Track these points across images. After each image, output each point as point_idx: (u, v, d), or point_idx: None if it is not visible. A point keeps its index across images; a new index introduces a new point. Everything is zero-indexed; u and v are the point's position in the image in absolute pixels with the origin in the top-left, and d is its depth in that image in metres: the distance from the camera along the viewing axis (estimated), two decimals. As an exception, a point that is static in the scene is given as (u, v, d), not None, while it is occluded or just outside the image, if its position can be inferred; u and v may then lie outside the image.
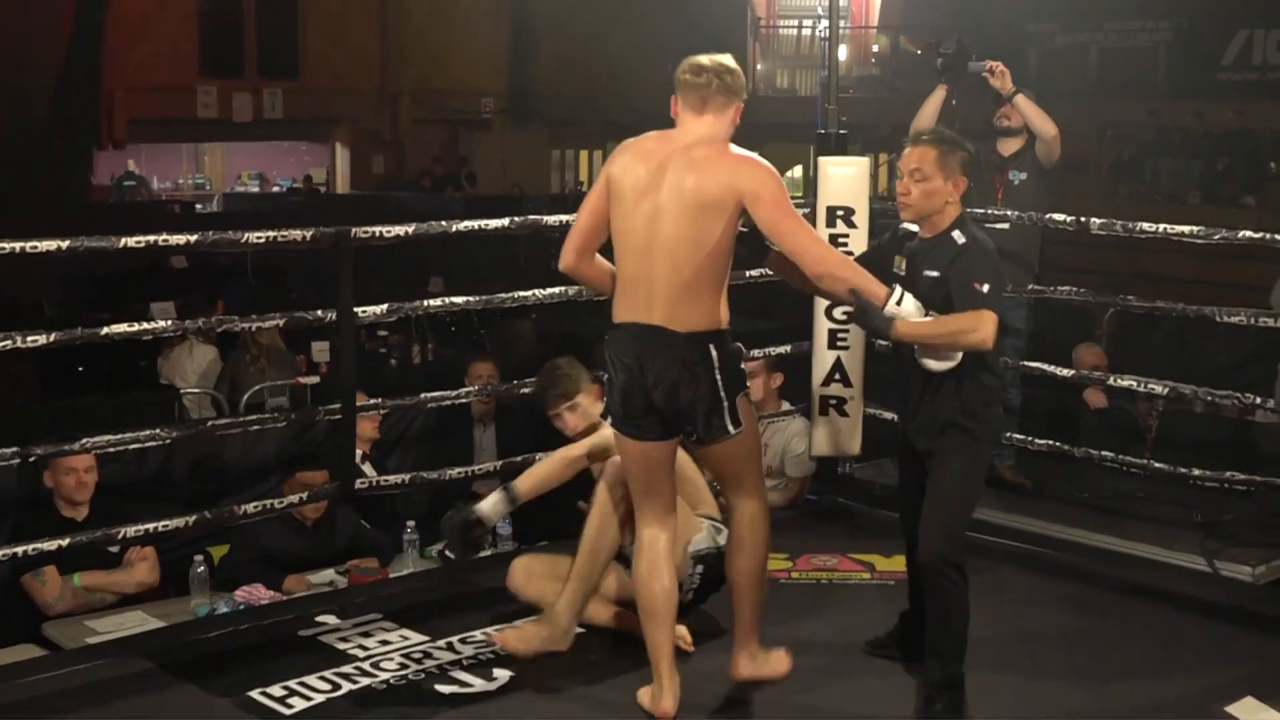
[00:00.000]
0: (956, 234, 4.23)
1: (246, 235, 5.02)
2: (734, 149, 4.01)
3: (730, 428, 4.02)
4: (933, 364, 4.12)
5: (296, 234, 5.10)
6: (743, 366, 4.10)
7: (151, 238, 4.77)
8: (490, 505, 4.70)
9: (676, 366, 3.97)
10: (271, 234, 5.04)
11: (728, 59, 4.13)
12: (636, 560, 4.21)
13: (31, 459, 4.90)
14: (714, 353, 3.98)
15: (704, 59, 4.10)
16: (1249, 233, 5.55)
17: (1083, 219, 5.87)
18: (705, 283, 3.96)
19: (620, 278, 4.07)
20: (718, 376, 3.98)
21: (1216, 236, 5.56)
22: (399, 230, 5.33)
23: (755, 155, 4.04)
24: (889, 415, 6.36)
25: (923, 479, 4.34)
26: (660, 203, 3.95)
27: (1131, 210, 13.11)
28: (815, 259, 4.00)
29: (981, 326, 4.02)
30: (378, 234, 5.25)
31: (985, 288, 4.09)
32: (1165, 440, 6.72)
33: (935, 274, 4.18)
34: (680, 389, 3.98)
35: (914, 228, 4.36)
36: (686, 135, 4.03)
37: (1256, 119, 17.47)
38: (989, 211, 6.21)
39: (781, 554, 5.51)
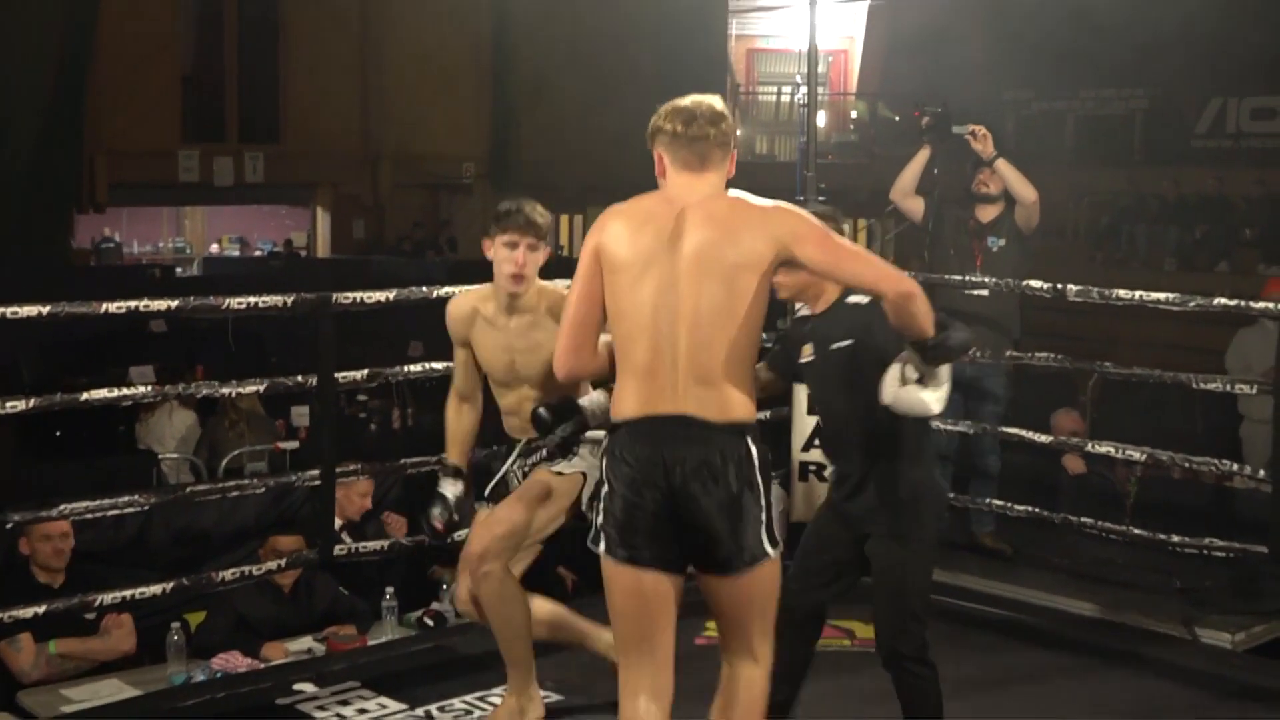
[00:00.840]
0: (851, 299, 4.02)
1: (227, 301, 5.04)
2: (753, 197, 3.45)
3: (769, 548, 3.34)
4: (928, 398, 3.64)
5: (278, 300, 5.11)
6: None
7: (133, 303, 4.79)
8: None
9: (710, 466, 3.28)
10: (252, 300, 5.06)
11: (715, 101, 3.53)
12: None
13: (8, 525, 4.88)
14: (753, 450, 3.33)
15: (689, 103, 3.50)
16: (1224, 300, 5.60)
17: (1060, 285, 5.91)
18: (738, 361, 3.33)
19: (626, 366, 3.39)
20: (758, 479, 3.33)
21: (1192, 304, 5.61)
22: (380, 296, 5.34)
23: (782, 204, 3.49)
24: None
25: (845, 538, 4.17)
26: (677, 269, 3.32)
27: (1109, 276, 13.21)
28: (893, 281, 3.42)
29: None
30: (359, 300, 5.26)
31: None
32: (1144, 506, 6.74)
33: (848, 342, 4.01)
34: (710, 496, 3.28)
35: (803, 312, 4.24)
36: (692, 194, 3.42)
37: (1231, 186, 17.66)
38: (967, 278, 6.26)
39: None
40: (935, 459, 4.33)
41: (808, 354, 4.16)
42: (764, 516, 3.32)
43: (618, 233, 3.42)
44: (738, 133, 3.58)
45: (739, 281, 3.31)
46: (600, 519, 3.41)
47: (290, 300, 5.12)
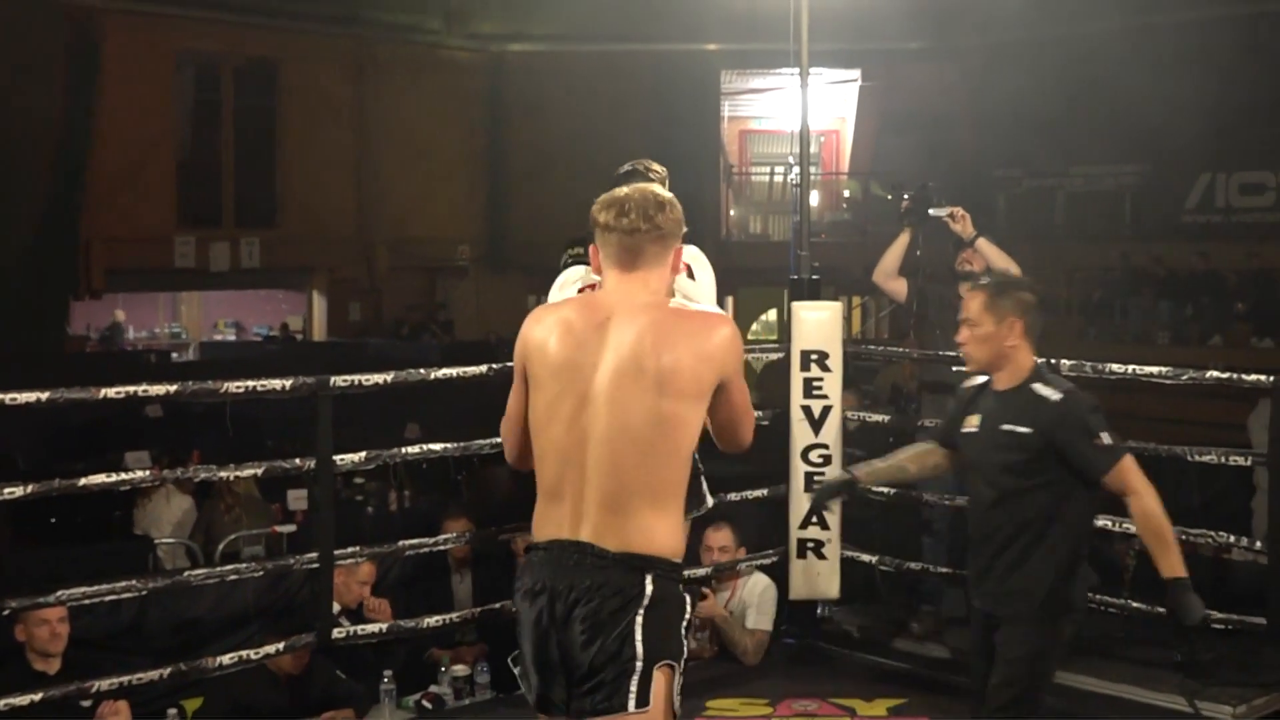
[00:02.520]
0: (1040, 387, 4.04)
1: (226, 385, 5.04)
2: (700, 307, 3.30)
3: (631, 701, 2.96)
4: None
5: (276, 384, 5.12)
6: (684, 634, 3.08)
7: (131, 388, 4.79)
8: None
9: (593, 598, 3.00)
10: (251, 384, 5.06)
11: (657, 191, 3.26)
12: None
13: (5, 612, 4.86)
14: (649, 587, 3.02)
15: (625, 193, 3.22)
16: (1216, 373, 5.63)
17: (1053, 360, 5.93)
18: (655, 490, 3.04)
19: (539, 487, 3.17)
20: (638, 620, 2.99)
21: (1185, 376, 5.63)
22: (378, 378, 5.35)
23: (718, 313, 3.32)
24: (867, 558, 6.37)
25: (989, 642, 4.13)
26: (594, 385, 3.06)
27: (1102, 351, 13.25)
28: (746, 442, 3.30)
29: (1145, 491, 3.85)
30: (357, 382, 5.27)
31: (1105, 438, 3.96)
32: (1143, 579, 6.71)
33: (1025, 430, 3.99)
34: (587, 630, 2.99)
35: (978, 380, 4.25)
36: (615, 297, 3.16)
37: (1221, 260, 17.78)
38: (960, 354, 6.28)
39: (762, 699, 5.48)
40: (1082, 558, 4.16)
41: (972, 424, 4.14)
42: (639, 667, 2.98)
43: (539, 341, 3.19)
44: (682, 226, 3.26)
45: (665, 404, 3.05)
46: (518, 663, 3.22)
47: (288, 384, 5.13)
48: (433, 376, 5.53)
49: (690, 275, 4.51)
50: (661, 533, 3.05)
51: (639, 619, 2.99)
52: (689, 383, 3.06)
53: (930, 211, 6.48)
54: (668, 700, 3.02)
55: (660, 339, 3.07)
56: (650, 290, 3.18)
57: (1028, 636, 4.04)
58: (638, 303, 3.14)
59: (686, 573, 6.22)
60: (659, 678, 3.00)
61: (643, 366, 3.05)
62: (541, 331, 3.19)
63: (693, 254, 4.57)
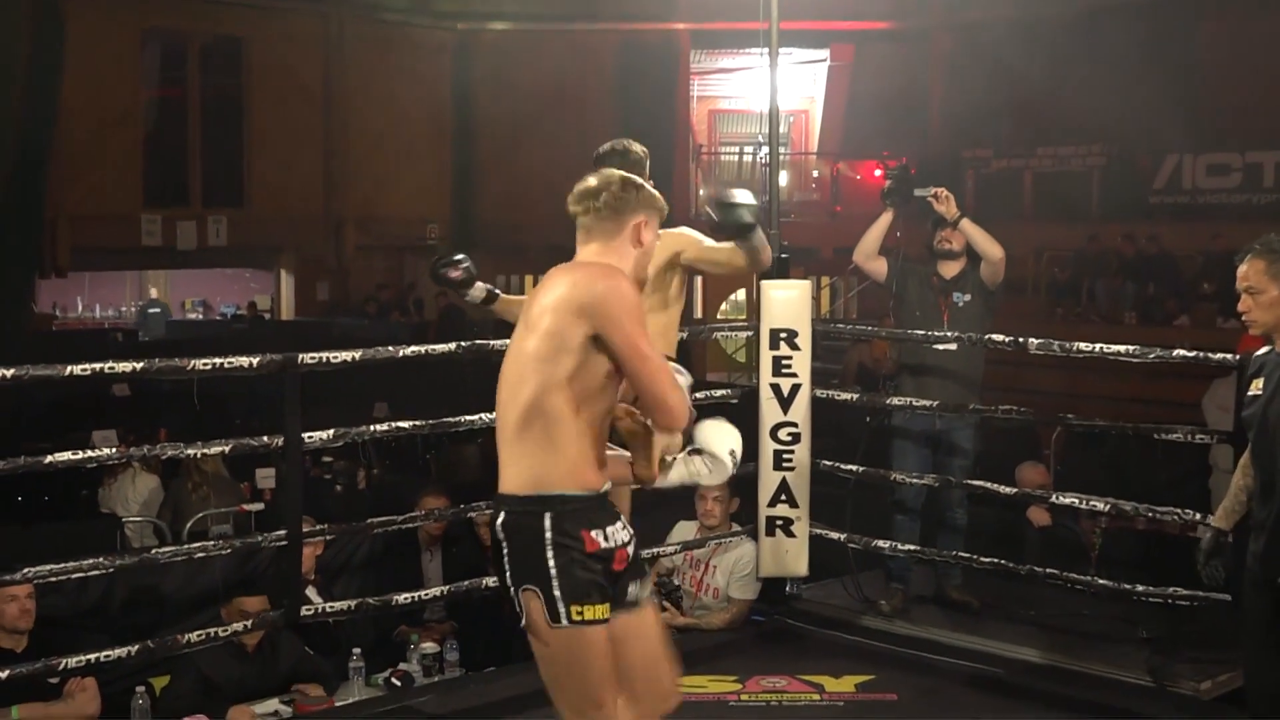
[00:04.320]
0: None
1: (192, 363, 5.00)
2: (593, 265, 3.41)
3: (523, 619, 3.35)
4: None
5: (243, 361, 5.08)
6: (549, 555, 3.31)
7: (98, 365, 4.75)
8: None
9: (501, 535, 3.38)
10: (218, 361, 5.03)
11: (616, 173, 3.57)
12: None
13: (-30, 590, 4.84)
14: (500, 519, 3.38)
15: (592, 180, 3.55)
16: (1183, 351, 5.65)
17: (1021, 339, 5.97)
18: (515, 430, 3.33)
19: None
20: (503, 551, 3.37)
21: (1152, 355, 5.66)
22: (346, 356, 5.34)
23: (610, 269, 3.39)
24: (835, 535, 6.40)
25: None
26: (515, 334, 3.43)
27: (1069, 331, 13.31)
28: (667, 409, 3.38)
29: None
30: (324, 360, 5.25)
31: None
32: (1109, 557, 6.77)
33: None
34: (502, 565, 3.39)
35: (1262, 350, 4.22)
36: (562, 267, 3.47)
37: (1188, 241, 17.87)
38: (932, 334, 6.31)
39: (730, 675, 5.50)
40: None
41: (1256, 388, 4.13)
42: (512, 592, 3.34)
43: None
44: (630, 203, 3.49)
45: (532, 342, 3.32)
46: None
47: (256, 361, 5.10)
48: (400, 355, 5.51)
49: None
50: (511, 472, 3.35)
51: (504, 550, 3.35)
52: (552, 323, 3.29)
53: (915, 192, 6.49)
54: (542, 618, 3.31)
55: (549, 288, 3.36)
56: (606, 257, 3.45)
57: None
58: (566, 265, 3.44)
59: (664, 560, 6.27)
60: (527, 600, 3.32)
61: (529, 313, 3.36)
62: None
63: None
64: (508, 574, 3.35)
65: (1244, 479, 4.35)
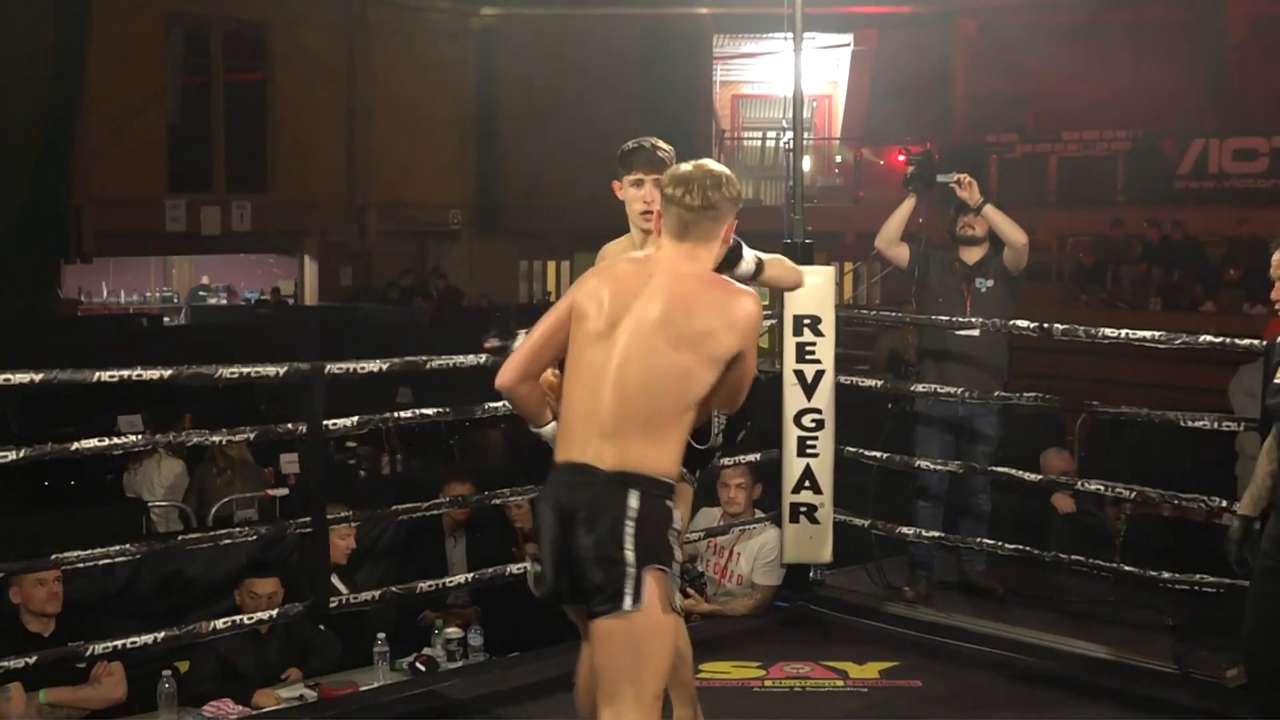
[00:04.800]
0: None
1: (220, 370, 4.99)
2: (729, 282, 3.53)
3: (628, 601, 3.31)
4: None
5: (271, 370, 5.08)
6: (673, 541, 3.39)
7: (125, 371, 4.75)
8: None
9: (590, 513, 3.35)
10: (245, 370, 5.02)
11: (716, 168, 3.58)
12: (585, 687, 3.68)
13: (0, 575, 4.86)
14: (633, 501, 3.34)
15: (690, 169, 3.56)
16: (1209, 337, 5.62)
17: (1045, 325, 5.94)
18: (654, 427, 3.38)
19: (564, 414, 3.50)
20: (627, 530, 3.32)
21: (1178, 341, 5.63)
22: (372, 366, 5.32)
23: (746, 291, 3.53)
24: (859, 522, 6.39)
25: None
26: (625, 329, 3.41)
27: (1093, 317, 13.26)
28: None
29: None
30: (351, 370, 5.25)
31: None
32: (1134, 544, 6.75)
33: None
34: (588, 541, 3.34)
35: None
36: (673, 264, 3.49)
37: (1213, 226, 17.78)
38: (955, 319, 6.29)
39: (754, 662, 5.50)
40: None
41: (1278, 378, 4.17)
42: (631, 571, 3.31)
43: (590, 291, 3.51)
44: (737, 203, 3.58)
45: (685, 360, 3.39)
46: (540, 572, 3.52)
47: (283, 371, 5.09)
48: (428, 366, 5.47)
49: None
50: (650, 457, 3.37)
51: (628, 529, 3.31)
52: (714, 347, 3.39)
53: (938, 178, 6.47)
54: (662, 599, 3.35)
55: (693, 303, 3.41)
56: (695, 261, 3.50)
57: None
58: (681, 270, 3.47)
59: (688, 546, 6.28)
60: (650, 580, 3.32)
61: (671, 323, 3.39)
62: (595, 281, 3.52)
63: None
64: (630, 553, 3.31)
65: (1270, 464, 4.34)
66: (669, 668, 3.47)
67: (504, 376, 3.59)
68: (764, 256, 3.93)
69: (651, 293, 3.44)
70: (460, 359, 5.51)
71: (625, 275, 3.51)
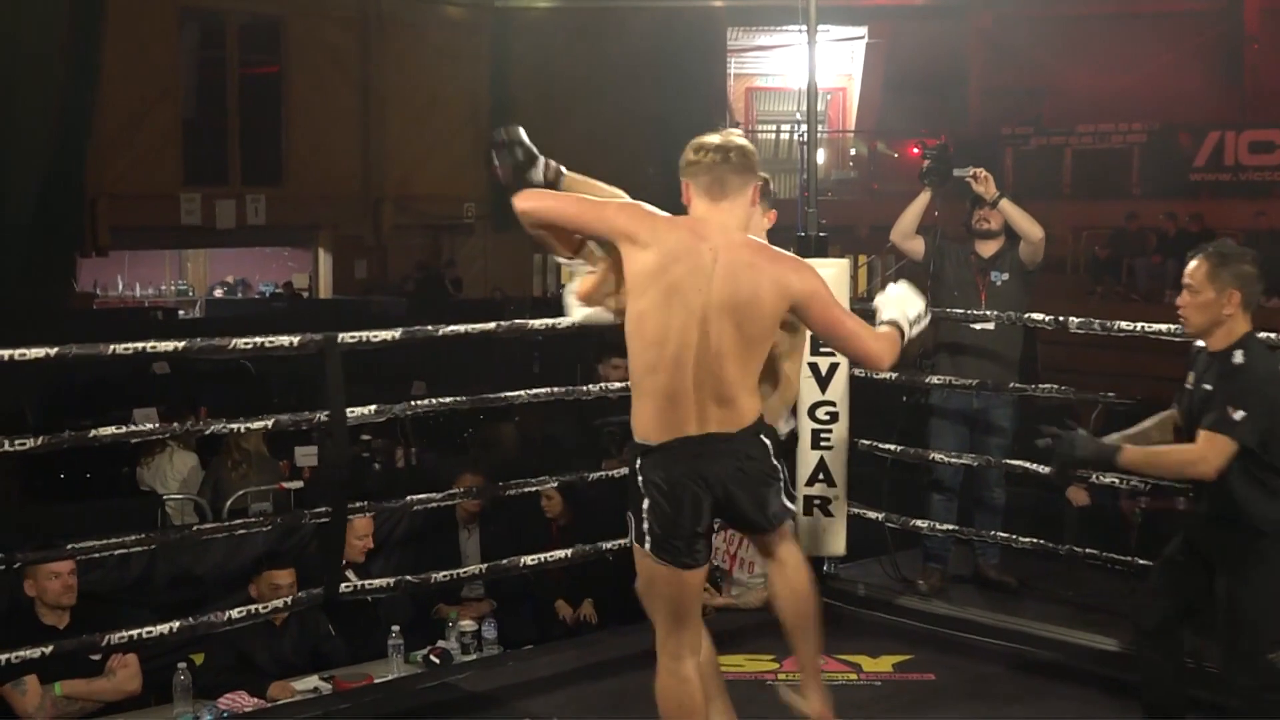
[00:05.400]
0: (1238, 354, 4.22)
1: (233, 342, 5.01)
2: (773, 248, 3.86)
3: (789, 504, 3.94)
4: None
5: (284, 340, 5.09)
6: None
7: (139, 344, 4.76)
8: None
9: (732, 467, 3.78)
10: (258, 340, 5.03)
11: (734, 133, 3.90)
12: (670, 693, 3.96)
13: (16, 565, 4.88)
14: (767, 442, 3.86)
15: (710, 136, 3.85)
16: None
17: (1061, 318, 5.93)
18: (748, 387, 3.80)
19: (645, 391, 3.78)
20: (776, 463, 3.88)
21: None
22: (385, 335, 5.33)
23: (791, 254, 3.94)
24: (873, 515, 6.39)
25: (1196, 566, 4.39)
26: (705, 311, 3.69)
27: (1108, 310, 13.22)
28: (874, 354, 3.92)
29: (1210, 456, 4.11)
30: (365, 339, 5.25)
31: (1237, 414, 4.12)
32: (1149, 537, 6.73)
33: (1209, 388, 4.23)
34: (743, 488, 3.81)
35: (1200, 344, 4.41)
36: (716, 230, 3.76)
37: (1229, 218, 17.72)
38: (969, 312, 6.28)
39: (768, 655, 5.50)
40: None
41: (1189, 380, 4.39)
42: (780, 486, 3.88)
43: (657, 242, 3.73)
44: (757, 169, 3.86)
45: (760, 326, 3.74)
46: (645, 526, 3.80)
47: (296, 340, 5.10)
48: (440, 333, 5.51)
49: None
50: (754, 407, 3.82)
51: (774, 460, 3.86)
52: (770, 309, 3.74)
53: (955, 172, 6.46)
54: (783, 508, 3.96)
55: (755, 274, 3.72)
56: (734, 218, 3.79)
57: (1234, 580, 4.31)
58: (735, 240, 3.77)
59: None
60: (785, 508, 3.94)
61: (739, 299, 3.70)
62: (651, 234, 3.75)
63: None
64: (783, 484, 3.89)
65: (1157, 431, 4.64)
66: None
67: (526, 202, 3.91)
68: (566, 172, 4.20)
69: (722, 271, 3.70)
70: (473, 327, 5.56)
71: (685, 251, 3.72)
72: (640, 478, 3.80)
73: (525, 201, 3.91)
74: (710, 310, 3.69)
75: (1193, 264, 4.35)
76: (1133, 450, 4.30)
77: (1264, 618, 4.28)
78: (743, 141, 3.84)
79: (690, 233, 3.76)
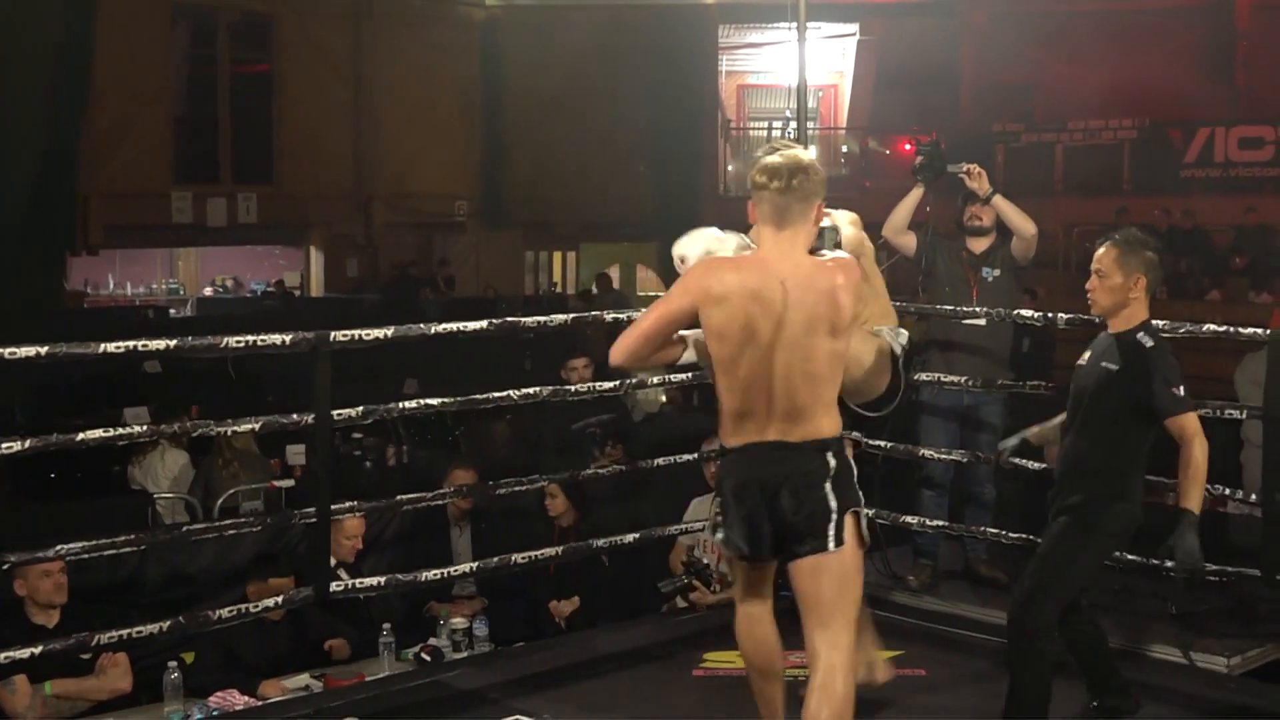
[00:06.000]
0: (1142, 335, 4.53)
1: (225, 340, 5.01)
2: (826, 263, 3.95)
3: (830, 543, 3.88)
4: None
5: (276, 339, 5.08)
6: (857, 486, 4.00)
7: (130, 343, 4.76)
8: None
9: (793, 478, 3.89)
10: (250, 339, 5.03)
11: (802, 155, 4.01)
12: (748, 633, 4.27)
13: (5, 566, 4.87)
14: (831, 461, 3.91)
15: (778, 159, 3.96)
16: (1213, 326, 5.63)
17: (1050, 314, 5.94)
18: (825, 402, 3.92)
19: (735, 406, 3.95)
20: (828, 485, 3.89)
21: (1182, 330, 5.63)
22: (378, 333, 5.33)
23: (842, 260, 4.01)
24: (864, 511, 6.37)
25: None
26: (779, 337, 3.85)
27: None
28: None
29: (1197, 433, 4.43)
30: (357, 337, 5.25)
31: (1180, 390, 4.45)
32: (1138, 532, 6.73)
33: (1113, 367, 4.51)
34: (790, 500, 3.88)
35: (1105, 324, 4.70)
36: (781, 258, 3.91)
37: (1219, 215, 17.76)
38: (961, 309, 6.29)
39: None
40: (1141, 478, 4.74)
41: (1083, 358, 4.68)
42: (835, 517, 3.87)
43: (720, 296, 3.86)
44: (823, 187, 3.99)
45: (835, 345, 3.90)
46: (721, 521, 4.06)
47: (288, 339, 5.10)
48: (432, 331, 5.51)
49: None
50: (829, 425, 3.93)
51: (829, 483, 3.88)
52: (846, 323, 3.91)
53: (948, 168, 6.47)
54: (857, 536, 3.95)
55: (828, 296, 3.86)
56: (795, 246, 3.92)
57: (1072, 527, 4.67)
58: (802, 266, 3.91)
59: (689, 536, 6.31)
60: (849, 522, 3.92)
61: (817, 319, 3.85)
62: (721, 288, 3.88)
63: (841, 217, 4.67)
64: (833, 501, 3.87)
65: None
66: (858, 596, 4.01)
67: (616, 356, 4.05)
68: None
69: (792, 298, 3.84)
70: (464, 325, 5.57)
71: (755, 289, 3.86)
72: (722, 478, 4.07)
73: (619, 356, 4.05)
74: (785, 339, 3.85)
75: (1101, 250, 4.67)
76: (1190, 500, 4.48)
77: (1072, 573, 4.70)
78: (808, 162, 3.96)
79: (758, 272, 3.90)
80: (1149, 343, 4.54)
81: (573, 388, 6.21)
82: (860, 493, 4.00)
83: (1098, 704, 4.86)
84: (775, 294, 3.85)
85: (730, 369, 3.92)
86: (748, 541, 3.97)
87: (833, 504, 3.88)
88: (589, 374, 7.69)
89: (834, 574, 3.90)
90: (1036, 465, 6.33)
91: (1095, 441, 4.61)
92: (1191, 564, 4.46)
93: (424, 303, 19.20)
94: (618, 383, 6.48)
